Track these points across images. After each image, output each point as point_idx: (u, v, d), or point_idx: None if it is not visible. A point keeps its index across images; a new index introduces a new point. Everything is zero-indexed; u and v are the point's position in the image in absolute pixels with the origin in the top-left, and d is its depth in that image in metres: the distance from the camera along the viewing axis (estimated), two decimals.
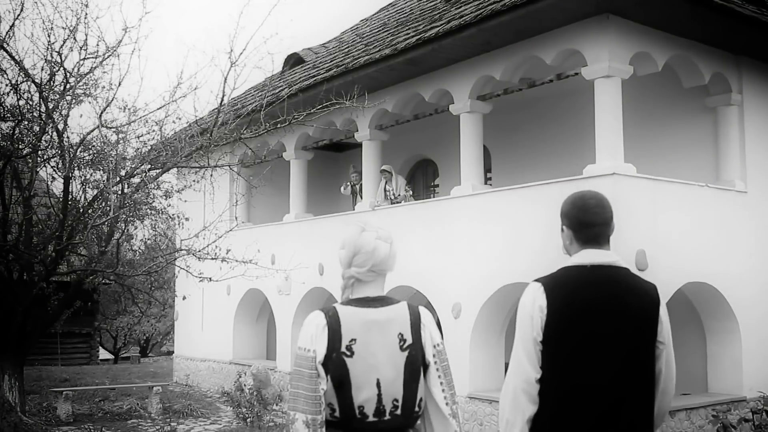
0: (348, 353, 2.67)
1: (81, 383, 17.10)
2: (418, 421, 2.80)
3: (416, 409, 2.75)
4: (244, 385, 11.13)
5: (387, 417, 2.69)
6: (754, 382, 10.05)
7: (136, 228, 10.30)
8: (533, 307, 2.75)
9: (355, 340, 2.69)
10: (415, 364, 2.74)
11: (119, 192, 9.03)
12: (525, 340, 2.74)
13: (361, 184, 13.28)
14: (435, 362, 2.79)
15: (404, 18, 13.76)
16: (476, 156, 10.97)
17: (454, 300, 10.77)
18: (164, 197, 10.03)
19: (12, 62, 8.81)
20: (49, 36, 8.75)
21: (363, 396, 2.67)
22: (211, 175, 10.43)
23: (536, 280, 2.84)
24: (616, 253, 2.84)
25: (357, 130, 12.96)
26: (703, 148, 10.78)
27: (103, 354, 34.57)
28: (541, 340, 2.71)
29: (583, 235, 2.83)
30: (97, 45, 9.05)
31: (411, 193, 12.89)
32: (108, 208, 8.88)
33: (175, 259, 10.22)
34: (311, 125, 11.96)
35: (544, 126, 12.81)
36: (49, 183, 10.37)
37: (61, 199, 9.24)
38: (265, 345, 16.61)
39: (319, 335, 2.70)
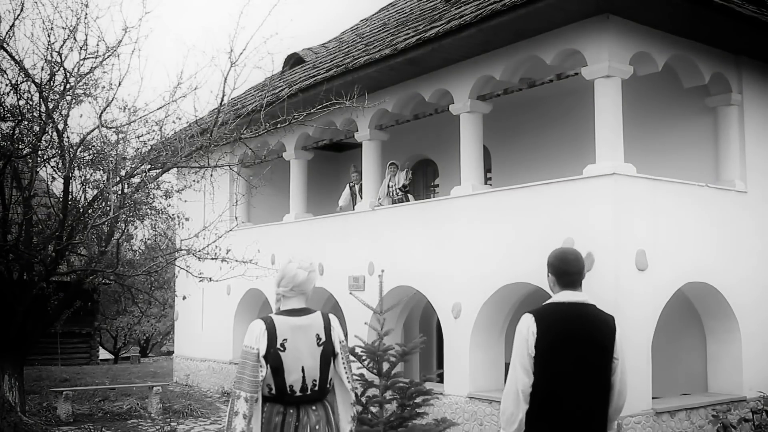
0: (282, 349, 3.83)
1: (81, 383, 17.11)
2: (329, 395, 4.02)
3: (327, 386, 3.98)
4: None
5: (309, 392, 3.89)
6: (754, 382, 10.05)
7: (136, 228, 10.30)
8: (528, 331, 3.79)
9: (286, 339, 3.85)
10: (327, 355, 3.95)
11: (119, 192, 9.03)
12: (522, 355, 3.78)
13: (361, 184, 13.28)
14: (341, 353, 4.02)
15: (404, 18, 13.76)
16: (476, 156, 10.97)
17: (454, 300, 10.76)
18: (164, 197, 10.03)
19: (12, 62, 8.81)
20: (49, 36, 8.76)
21: (292, 378, 3.85)
22: (211, 175, 10.42)
23: (529, 312, 3.88)
24: (586, 294, 3.92)
25: (357, 130, 12.95)
26: (703, 148, 10.78)
27: (103, 354, 34.56)
28: (533, 355, 3.75)
29: (563, 281, 3.91)
30: (97, 45, 9.06)
31: (410, 175, 12.77)
32: (108, 208, 8.87)
33: (175, 259, 10.22)
34: (311, 125, 11.96)
35: (544, 126, 12.81)
36: (49, 183, 10.36)
37: (61, 199, 9.24)
38: None
39: (261, 337, 3.85)
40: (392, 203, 12.59)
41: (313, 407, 3.91)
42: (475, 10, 9.79)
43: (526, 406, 3.73)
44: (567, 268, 3.88)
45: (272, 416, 3.86)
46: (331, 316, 4.03)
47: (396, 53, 10.81)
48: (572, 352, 3.76)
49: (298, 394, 3.86)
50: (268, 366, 3.81)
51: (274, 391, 3.86)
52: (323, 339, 3.92)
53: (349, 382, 4.02)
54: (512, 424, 3.76)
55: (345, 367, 4.00)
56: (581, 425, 3.74)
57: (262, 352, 3.81)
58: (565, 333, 3.79)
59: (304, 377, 3.85)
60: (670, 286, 9.32)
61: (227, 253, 9.76)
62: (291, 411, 3.86)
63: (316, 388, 3.89)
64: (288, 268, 4.06)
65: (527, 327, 3.78)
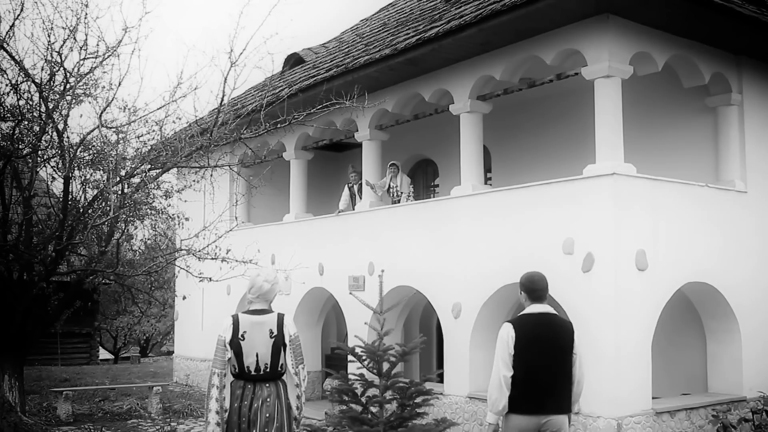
0: (242, 339, 5.23)
1: (81, 383, 17.10)
2: (284, 376, 5.37)
3: (279, 369, 5.31)
4: None
5: (261, 373, 5.26)
6: (754, 382, 10.05)
7: (136, 228, 10.28)
8: (508, 336, 5.11)
9: (246, 332, 5.24)
10: (278, 345, 5.28)
11: (119, 192, 9.03)
12: (503, 354, 5.10)
13: (360, 184, 13.27)
14: (289, 344, 5.31)
15: (404, 18, 13.75)
16: (476, 156, 10.97)
17: (454, 300, 10.76)
18: (164, 197, 10.01)
19: (12, 62, 8.79)
20: (49, 36, 8.74)
21: (249, 361, 5.24)
22: (211, 175, 10.42)
23: (508, 321, 5.21)
24: (550, 306, 5.26)
25: (357, 130, 12.95)
26: (703, 148, 10.78)
27: (103, 354, 34.55)
28: (512, 354, 5.06)
29: (532, 296, 5.25)
30: (97, 45, 9.04)
31: (413, 193, 12.87)
32: (108, 208, 8.87)
33: (175, 259, 10.21)
34: (311, 125, 11.95)
35: (544, 126, 12.80)
36: (49, 183, 10.35)
37: (61, 199, 9.23)
38: None
39: (228, 329, 5.28)
40: (392, 203, 12.59)
41: (267, 384, 5.27)
42: (475, 10, 9.79)
43: (508, 392, 5.01)
44: (534, 287, 5.21)
45: (236, 389, 5.26)
46: (286, 317, 5.38)
47: (396, 53, 10.81)
48: (541, 349, 5.07)
49: (253, 373, 5.24)
50: (232, 351, 5.23)
51: (236, 370, 5.25)
52: (275, 333, 5.26)
53: (293, 367, 5.30)
54: (498, 406, 5.04)
55: (291, 356, 5.30)
56: (551, 401, 5.05)
57: (228, 340, 5.24)
58: (536, 336, 5.10)
59: (257, 361, 5.22)
60: (670, 286, 9.32)
61: (227, 253, 9.76)
62: (249, 386, 5.24)
63: (268, 370, 5.25)
64: (256, 280, 5.36)
65: (507, 333, 5.09)
